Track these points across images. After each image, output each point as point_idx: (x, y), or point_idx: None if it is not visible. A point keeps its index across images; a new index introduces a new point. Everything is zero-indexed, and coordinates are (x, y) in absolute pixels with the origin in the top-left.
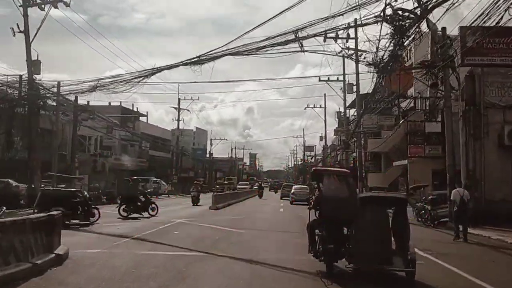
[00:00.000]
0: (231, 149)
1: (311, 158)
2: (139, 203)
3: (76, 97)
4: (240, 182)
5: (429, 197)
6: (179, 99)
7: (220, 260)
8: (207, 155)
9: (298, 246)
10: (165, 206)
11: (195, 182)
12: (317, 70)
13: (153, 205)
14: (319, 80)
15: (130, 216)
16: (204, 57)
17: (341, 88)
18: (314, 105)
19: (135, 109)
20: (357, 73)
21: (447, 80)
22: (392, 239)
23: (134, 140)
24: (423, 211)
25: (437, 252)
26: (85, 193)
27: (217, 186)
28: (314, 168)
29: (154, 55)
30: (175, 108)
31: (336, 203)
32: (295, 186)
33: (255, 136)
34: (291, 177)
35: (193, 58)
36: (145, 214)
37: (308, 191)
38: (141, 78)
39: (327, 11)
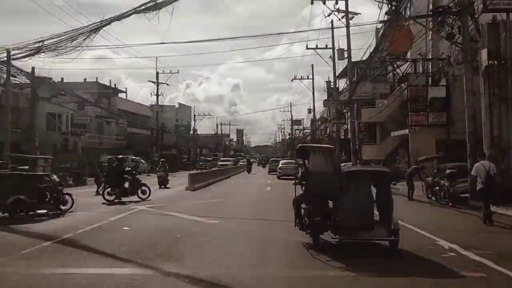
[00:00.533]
0: (217, 125)
1: (299, 132)
2: (126, 185)
3: (33, 68)
4: (222, 158)
5: (447, 171)
6: (157, 73)
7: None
8: (191, 132)
9: (286, 248)
10: None
11: (161, 160)
12: (303, 46)
13: (143, 187)
14: (307, 48)
15: (116, 200)
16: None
17: (330, 56)
18: (301, 77)
19: (113, 86)
20: (348, 36)
21: (466, 29)
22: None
23: (111, 117)
24: (437, 188)
25: (481, 247)
26: (54, 176)
27: (200, 163)
28: (299, 145)
29: (139, 34)
30: (154, 82)
31: (321, 178)
32: (282, 161)
33: (242, 112)
34: (279, 152)
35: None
36: (134, 197)
37: (296, 165)
38: (88, 34)
39: None
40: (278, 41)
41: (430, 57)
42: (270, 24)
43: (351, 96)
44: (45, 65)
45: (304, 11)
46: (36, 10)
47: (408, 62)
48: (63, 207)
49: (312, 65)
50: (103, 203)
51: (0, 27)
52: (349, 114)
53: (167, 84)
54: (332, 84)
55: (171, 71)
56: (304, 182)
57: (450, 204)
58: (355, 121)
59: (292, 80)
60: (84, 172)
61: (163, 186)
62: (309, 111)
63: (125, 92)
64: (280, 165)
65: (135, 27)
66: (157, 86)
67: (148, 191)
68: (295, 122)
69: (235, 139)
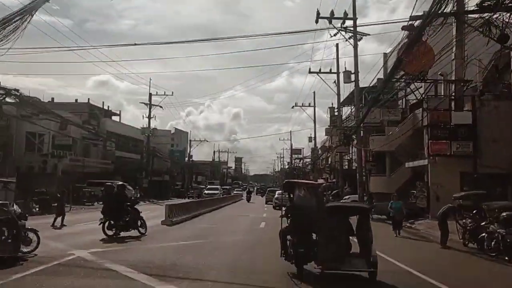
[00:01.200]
0: (214, 152)
1: (299, 161)
2: (127, 218)
3: None
4: (208, 186)
5: (503, 214)
6: (150, 94)
7: None
8: (186, 158)
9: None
10: None
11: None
12: (304, 78)
13: (141, 220)
14: (309, 72)
15: (116, 235)
16: None
17: (334, 82)
18: (302, 103)
19: (106, 107)
20: (356, 58)
21: None
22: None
23: (97, 139)
24: (484, 234)
25: None
26: (15, 206)
27: (192, 191)
28: (285, 180)
29: (142, 62)
30: (146, 104)
31: (305, 211)
32: (278, 191)
33: (242, 141)
34: (278, 181)
35: None
36: (134, 232)
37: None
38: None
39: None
40: (279, 72)
41: (453, 78)
42: (272, 57)
43: (361, 121)
44: (48, 89)
45: (306, 46)
46: (44, 34)
47: (427, 84)
48: (24, 249)
49: (314, 92)
50: (102, 240)
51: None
52: (355, 142)
53: (160, 107)
54: (336, 110)
55: (165, 92)
56: (289, 215)
57: (507, 258)
58: (362, 148)
59: (292, 107)
60: (59, 198)
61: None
62: (310, 139)
63: (119, 114)
64: (276, 196)
65: (139, 55)
66: (149, 108)
67: (145, 225)
68: (295, 151)
69: (233, 167)
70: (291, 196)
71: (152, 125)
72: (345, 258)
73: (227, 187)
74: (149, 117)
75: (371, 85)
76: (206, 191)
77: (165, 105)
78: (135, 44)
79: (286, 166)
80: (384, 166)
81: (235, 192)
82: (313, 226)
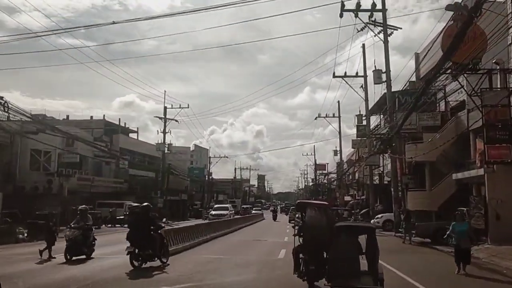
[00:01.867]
0: (235, 169)
1: (324, 177)
2: (154, 245)
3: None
4: (215, 206)
5: None
6: (165, 107)
7: None
8: (206, 176)
9: None
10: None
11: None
12: (325, 92)
13: (164, 248)
14: (334, 77)
15: (143, 266)
16: None
17: (362, 86)
18: (326, 114)
19: (122, 124)
20: (387, 53)
21: None
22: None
23: (111, 157)
24: None
25: None
26: None
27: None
28: (298, 201)
29: (165, 80)
30: (161, 118)
31: (316, 230)
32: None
33: (265, 159)
34: (303, 199)
35: None
36: (157, 261)
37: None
38: None
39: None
40: (302, 89)
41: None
42: (293, 72)
43: (400, 127)
44: (75, 111)
45: (327, 59)
46: (65, 57)
47: (481, 75)
48: None
49: (338, 101)
50: (127, 274)
51: (29, 76)
52: (384, 154)
53: (176, 120)
54: (363, 118)
55: (180, 105)
56: (302, 234)
57: None
58: (397, 157)
59: (316, 118)
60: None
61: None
62: (335, 153)
63: (137, 131)
64: (297, 215)
65: (162, 74)
66: (164, 122)
67: (167, 253)
68: (319, 167)
69: (256, 185)
70: (303, 215)
71: (173, 143)
72: (354, 276)
73: (246, 206)
74: (164, 132)
75: (403, 88)
76: (212, 212)
77: (186, 123)
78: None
79: (311, 183)
80: (423, 179)
81: (253, 211)
82: (323, 245)
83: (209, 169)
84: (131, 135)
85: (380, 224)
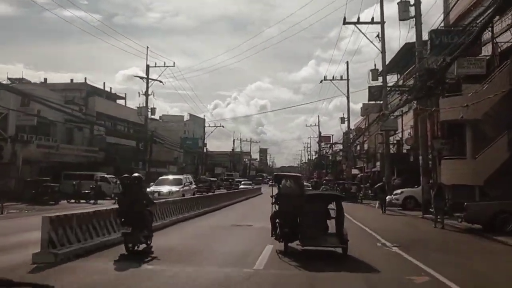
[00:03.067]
0: (233, 141)
1: (328, 149)
2: (148, 224)
3: None
4: (159, 179)
5: None
6: (147, 66)
7: None
8: (204, 148)
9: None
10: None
11: None
12: (330, 66)
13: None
14: (344, 23)
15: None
16: None
17: (378, 35)
18: (333, 77)
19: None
20: None
21: None
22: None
23: (82, 122)
24: None
25: None
26: None
27: (201, 185)
28: (275, 173)
29: (170, 54)
30: (142, 78)
31: (289, 198)
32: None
33: (269, 133)
34: (305, 173)
35: None
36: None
37: (311, 188)
38: None
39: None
40: (306, 62)
41: None
42: (299, 45)
43: (445, 70)
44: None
45: (333, 33)
46: (69, 30)
47: None
48: None
49: (347, 62)
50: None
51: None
52: (403, 116)
53: (160, 81)
54: (379, 73)
55: (165, 63)
56: (277, 202)
57: None
58: (427, 109)
59: (321, 82)
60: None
61: None
62: (342, 120)
63: (124, 98)
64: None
65: (167, 48)
66: (147, 82)
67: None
68: (324, 139)
69: (258, 159)
70: (279, 186)
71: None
72: (322, 237)
73: (229, 177)
74: (146, 94)
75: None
76: (152, 188)
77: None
78: None
79: (314, 157)
80: (462, 144)
81: (242, 186)
82: (296, 211)
83: (204, 139)
84: (118, 101)
85: (400, 202)
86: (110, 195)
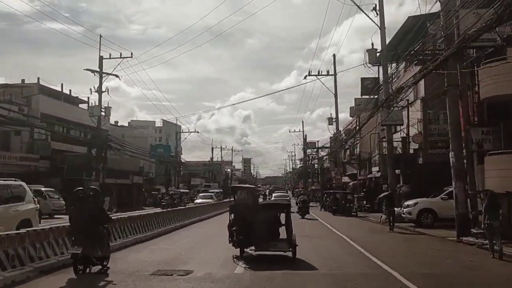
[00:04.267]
0: (212, 149)
1: (315, 155)
2: (103, 244)
3: None
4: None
5: None
6: (101, 58)
7: None
8: (176, 155)
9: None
10: None
11: None
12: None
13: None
14: None
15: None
16: None
17: (374, 8)
18: (319, 72)
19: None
20: None
21: None
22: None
23: (17, 125)
24: None
25: None
26: None
27: (167, 198)
28: (231, 185)
29: (151, 65)
30: (93, 71)
31: (243, 208)
32: (275, 194)
33: (253, 144)
34: (290, 182)
35: None
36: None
37: (288, 198)
38: None
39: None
40: (288, 73)
41: None
42: (281, 56)
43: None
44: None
45: (312, 44)
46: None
47: None
48: None
49: (334, 54)
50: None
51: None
52: (410, 107)
53: (116, 76)
54: (378, 53)
55: (121, 54)
56: (233, 211)
57: None
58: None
59: (305, 77)
60: None
61: None
62: (330, 121)
63: (87, 102)
64: (273, 198)
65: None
66: (100, 77)
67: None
68: (309, 145)
69: (241, 169)
70: (235, 197)
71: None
72: (273, 242)
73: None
74: (100, 91)
75: None
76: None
77: (114, 70)
78: None
79: (299, 165)
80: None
81: (199, 200)
82: (250, 219)
83: (177, 146)
84: (81, 106)
85: (413, 216)
86: (48, 213)
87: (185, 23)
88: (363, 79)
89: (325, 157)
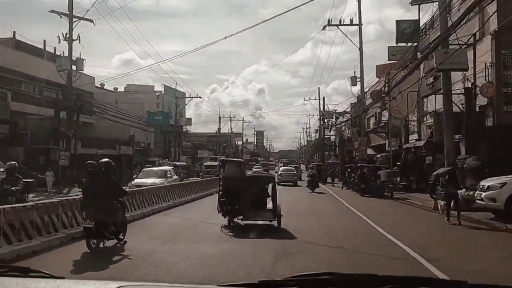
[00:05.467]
0: (219, 118)
1: (332, 123)
2: (117, 218)
3: None
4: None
5: None
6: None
7: None
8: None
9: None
10: None
11: None
12: (329, 47)
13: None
14: None
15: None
16: None
17: None
18: (340, 21)
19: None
20: None
21: None
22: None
23: None
24: None
25: None
26: None
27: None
28: (221, 159)
29: (166, 37)
30: (60, 14)
31: (232, 180)
32: (282, 168)
33: (268, 117)
34: (304, 156)
35: None
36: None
37: (295, 172)
38: None
39: None
40: (304, 44)
41: None
42: (295, 27)
43: None
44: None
45: (327, 14)
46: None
47: None
48: None
49: (359, 0)
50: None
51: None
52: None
53: (91, 21)
54: None
55: None
56: (222, 183)
57: None
58: None
59: (324, 28)
60: None
61: None
62: (353, 81)
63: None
64: (280, 172)
65: (162, 31)
66: (70, 21)
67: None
68: (326, 115)
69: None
70: (223, 169)
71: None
72: (259, 212)
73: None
74: (70, 39)
75: None
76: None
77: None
78: None
79: (314, 137)
80: None
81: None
82: (237, 191)
83: (177, 112)
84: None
85: (500, 205)
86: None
87: None
88: (399, 22)
89: (344, 126)
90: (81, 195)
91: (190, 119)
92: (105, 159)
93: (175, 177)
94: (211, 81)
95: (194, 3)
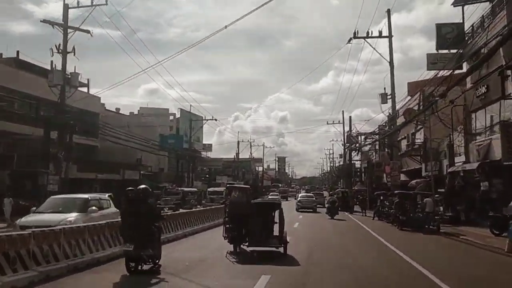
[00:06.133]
0: (237, 142)
1: (358, 149)
2: (155, 242)
3: None
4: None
5: None
6: (65, 5)
7: None
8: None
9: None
10: None
11: None
12: (351, 75)
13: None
14: None
15: (140, 269)
16: None
17: None
18: (368, 33)
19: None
20: None
21: None
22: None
23: None
24: None
25: None
26: None
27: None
28: (227, 185)
29: (191, 69)
30: (52, 23)
31: (237, 206)
32: (302, 194)
33: (290, 144)
34: (327, 183)
35: None
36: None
37: (314, 198)
38: None
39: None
40: (326, 73)
41: None
42: (318, 57)
43: None
44: (102, 99)
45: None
46: (98, 47)
47: None
48: None
49: (389, 9)
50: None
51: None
52: None
53: (87, 31)
54: None
55: (92, 1)
56: (228, 209)
57: None
58: None
59: (349, 41)
60: None
61: None
62: (383, 99)
63: (87, 85)
64: (299, 198)
65: (187, 63)
66: (65, 32)
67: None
68: (349, 140)
69: (276, 169)
70: (230, 196)
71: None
72: (266, 239)
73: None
74: (64, 49)
75: None
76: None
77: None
78: None
79: (338, 162)
80: None
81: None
82: (243, 217)
83: (191, 135)
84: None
85: None
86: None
87: (223, 26)
88: (439, 26)
89: (371, 150)
90: (120, 220)
91: (210, 145)
92: (143, 186)
93: (110, 209)
94: (234, 109)
95: (218, 35)
